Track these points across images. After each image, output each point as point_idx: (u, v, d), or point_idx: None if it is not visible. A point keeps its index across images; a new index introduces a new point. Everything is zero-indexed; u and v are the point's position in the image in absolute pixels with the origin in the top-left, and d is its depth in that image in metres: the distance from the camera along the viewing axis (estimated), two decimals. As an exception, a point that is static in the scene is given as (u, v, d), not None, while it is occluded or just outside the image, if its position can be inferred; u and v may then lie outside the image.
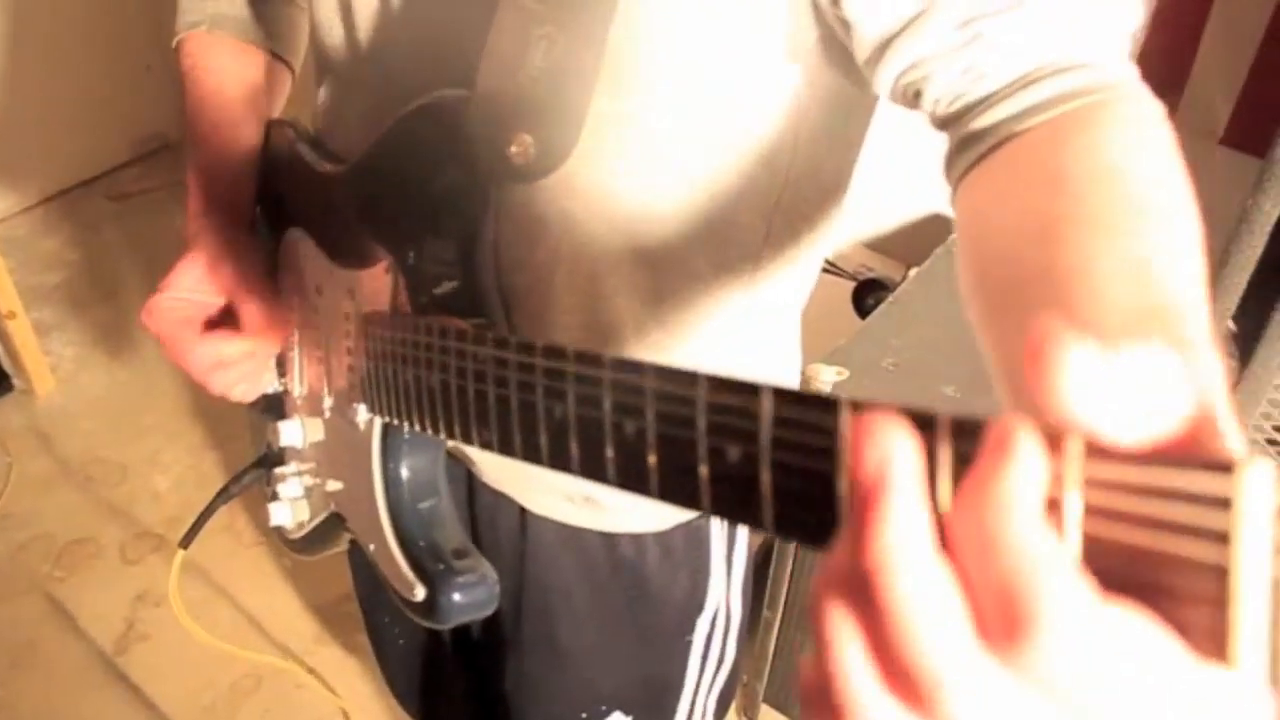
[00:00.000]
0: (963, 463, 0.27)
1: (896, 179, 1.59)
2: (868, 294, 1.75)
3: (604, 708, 0.93)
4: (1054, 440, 0.25)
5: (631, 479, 0.41)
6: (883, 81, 0.54)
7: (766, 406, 0.33)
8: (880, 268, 1.77)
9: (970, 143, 0.50)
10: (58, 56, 2.70)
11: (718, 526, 0.86)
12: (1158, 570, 0.24)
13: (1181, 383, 0.25)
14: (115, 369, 2.35)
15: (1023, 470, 0.25)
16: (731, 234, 0.66)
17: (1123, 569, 0.25)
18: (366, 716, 1.70)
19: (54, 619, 1.82)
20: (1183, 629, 0.24)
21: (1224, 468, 0.23)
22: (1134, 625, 0.24)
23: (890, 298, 1.51)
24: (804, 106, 0.62)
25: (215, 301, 0.75)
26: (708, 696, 0.97)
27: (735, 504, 0.36)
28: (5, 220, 2.69)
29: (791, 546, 1.38)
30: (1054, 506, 0.25)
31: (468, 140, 0.60)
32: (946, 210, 1.70)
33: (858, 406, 0.30)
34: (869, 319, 1.49)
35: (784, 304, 0.76)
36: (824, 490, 0.31)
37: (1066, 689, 0.24)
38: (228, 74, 0.82)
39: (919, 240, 1.71)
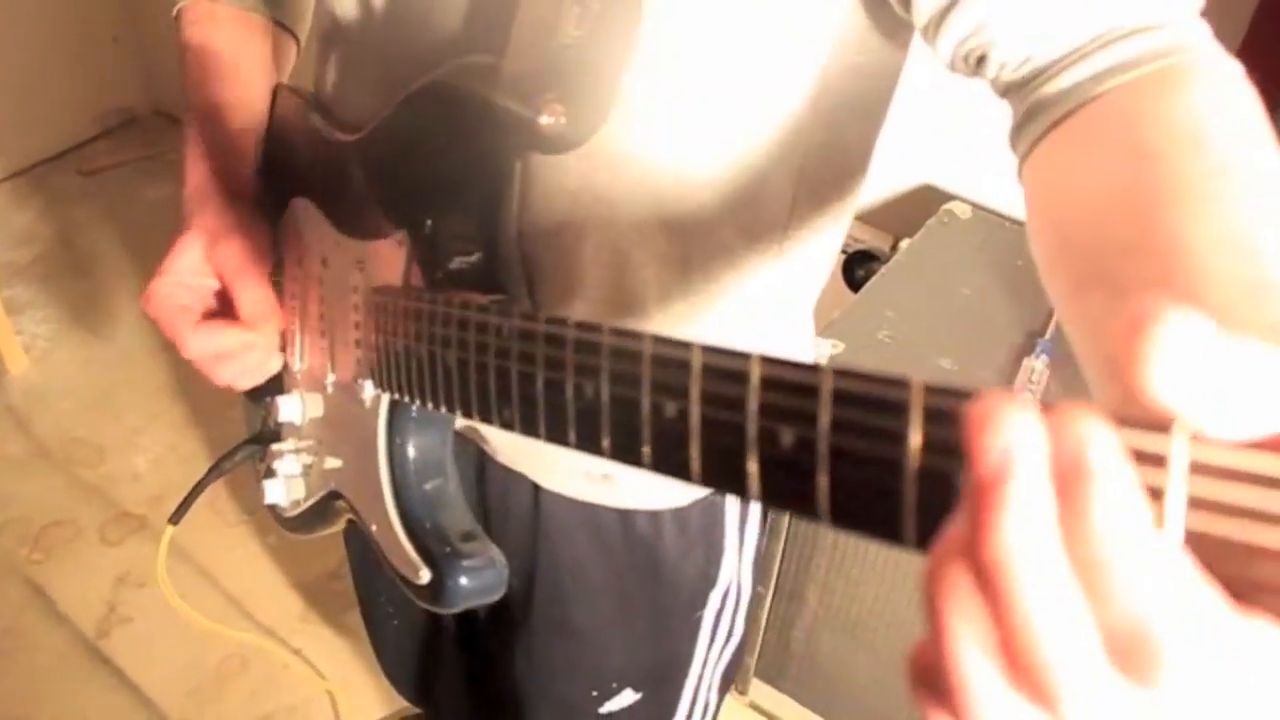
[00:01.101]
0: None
1: (885, 150, 1.57)
2: (858, 266, 1.74)
3: (615, 685, 0.92)
4: (1157, 425, 0.24)
5: (671, 464, 0.39)
6: (943, 48, 0.52)
7: (826, 386, 0.31)
8: (870, 239, 1.76)
9: (1042, 109, 0.49)
10: (22, 29, 2.64)
11: (732, 502, 0.86)
12: (1265, 564, 0.23)
13: None
14: (91, 346, 2.31)
15: (1121, 482, 0.23)
16: (759, 204, 0.66)
17: (1232, 566, 0.23)
18: (354, 696, 1.69)
19: (34, 603, 1.79)
20: None
21: None
22: (1263, 633, 0.23)
23: (882, 270, 1.50)
24: (829, 76, 0.61)
25: (213, 285, 0.73)
26: (714, 671, 0.97)
27: (789, 493, 0.34)
28: (-27, 196, 2.63)
29: (784, 522, 1.38)
30: (1156, 496, 0.24)
31: (498, 107, 0.58)
32: (935, 181, 1.69)
33: (933, 391, 0.28)
34: (862, 291, 1.48)
35: (808, 276, 0.75)
36: (891, 479, 0.30)
37: (1203, 709, 0.23)
38: (230, 42, 0.80)
39: (908, 211, 1.71)
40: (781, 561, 1.43)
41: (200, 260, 0.72)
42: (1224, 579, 0.23)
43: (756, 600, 1.48)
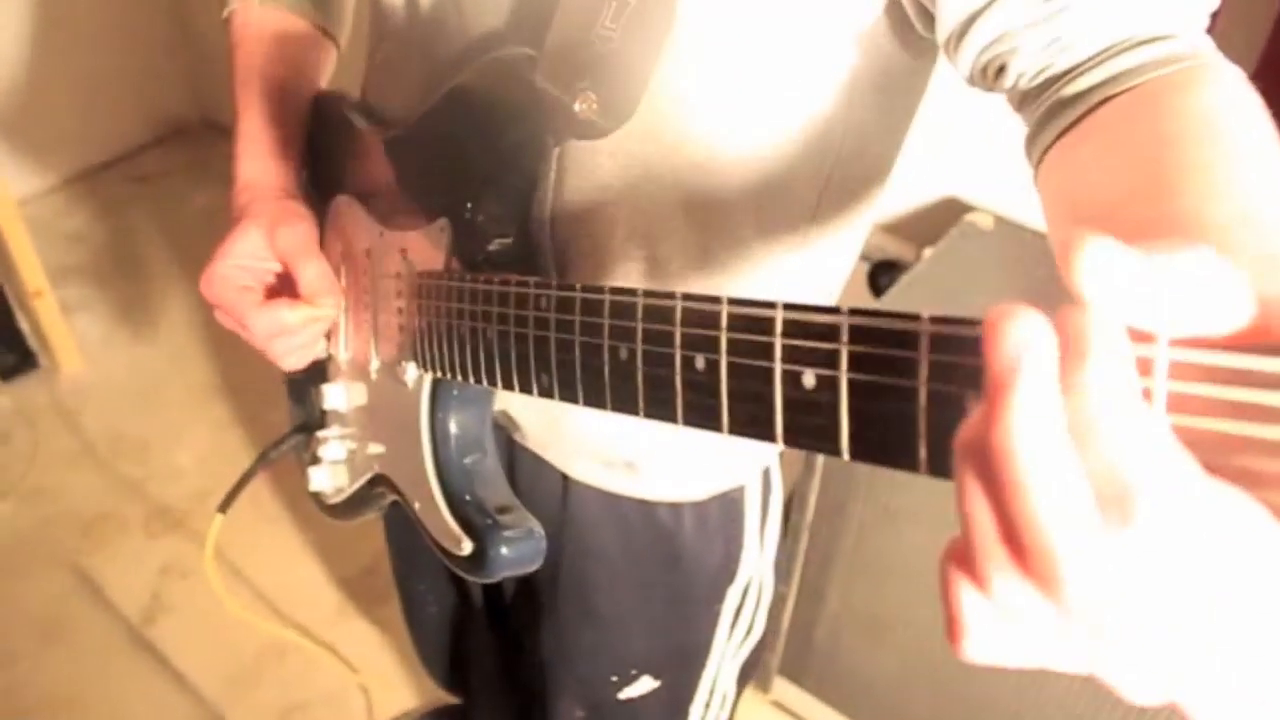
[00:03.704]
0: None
1: (911, 162, 1.59)
2: (883, 275, 1.77)
3: (634, 671, 0.95)
4: (1143, 335, 0.26)
5: (702, 414, 0.41)
6: (964, 59, 0.54)
7: (845, 327, 0.34)
8: (895, 249, 1.79)
9: (1060, 110, 0.51)
10: (80, 38, 2.73)
11: (753, 499, 0.88)
12: (1243, 456, 0.25)
13: (1232, 282, 0.26)
14: (139, 348, 2.38)
15: (1114, 352, 0.26)
16: (783, 205, 0.68)
17: (1207, 457, 0.26)
18: (387, 688, 1.73)
19: (81, 592, 1.85)
20: (1274, 511, 0.25)
21: None
22: (1235, 501, 0.25)
23: (905, 277, 1.53)
24: (858, 84, 0.63)
25: (273, 268, 0.75)
26: (733, 664, 0.99)
27: (812, 431, 0.36)
28: (31, 200, 2.71)
29: (808, 522, 1.40)
30: (1144, 395, 0.26)
31: (535, 96, 0.61)
32: (959, 193, 1.72)
33: (937, 320, 0.31)
34: (884, 298, 1.50)
35: (827, 278, 0.77)
36: (905, 408, 0.32)
37: (1175, 562, 0.25)
38: (277, 46, 0.83)
39: (932, 222, 1.73)
40: (804, 562, 1.45)
41: (261, 244, 0.74)
42: (1205, 467, 0.26)
43: (779, 600, 1.51)
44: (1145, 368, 0.26)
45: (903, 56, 0.63)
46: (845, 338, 0.34)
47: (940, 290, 1.48)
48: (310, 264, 0.73)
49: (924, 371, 0.32)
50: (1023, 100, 0.54)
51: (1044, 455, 0.26)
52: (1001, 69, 0.53)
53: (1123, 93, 0.48)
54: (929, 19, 0.56)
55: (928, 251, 1.58)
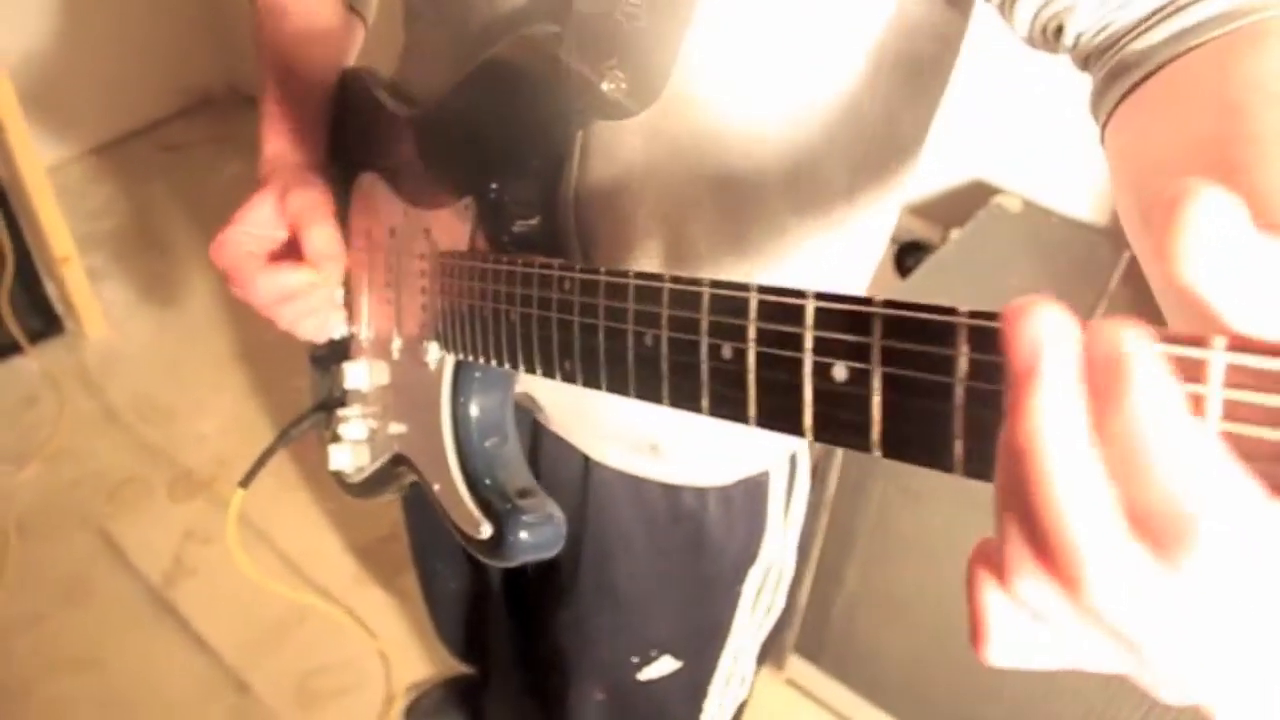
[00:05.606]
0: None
1: (938, 144, 1.56)
2: (908, 256, 1.76)
3: (654, 652, 0.94)
4: (1200, 340, 0.25)
5: (728, 406, 0.40)
6: (1021, 19, 0.52)
7: (878, 319, 0.33)
8: (921, 230, 1.78)
9: (1124, 71, 0.48)
10: (110, 9, 2.74)
11: (778, 483, 0.87)
12: None
13: None
14: (164, 316, 2.40)
15: (1161, 370, 0.24)
16: (813, 182, 0.66)
17: (1264, 468, 0.24)
18: (404, 656, 1.75)
19: (105, 555, 1.87)
20: None
21: None
22: None
23: (931, 258, 1.51)
24: (885, 54, 0.61)
25: (281, 235, 0.75)
26: (752, 644, 0.99)
27: (842, 426, 0.35)
28: (59, 168, 2.73)
29: (828, 500, 1.40)
30: (1198, 403, 0.24)
31: (561, 74, 0.60)
32: (987, 175, 1.70)
33: (976, 315, 0.30)
34: (910, 279, 1.49)
35: (860, 257, 0.76)
36: (940, 404, 0.31)
37: (1237, 593, 0.24)
38: (303, 21, 0.83)
39: (960, 204, 1.72)
40: (823, 539, 1.44)
41: (272, 213, 0.74)
42: (1263, 480, 0.24)
43: (796, 577, 1.50)
44: (1197, 369, 0.24)
45: (935, 17, 0.61)
46: (879, 330, 0.33)
47: (967, 273, 1.46)
48: (317, 227, 0.73)
49: (963, 368, 0.31)
50: (1086, 59, 0.51)
51: (1067, 452, 0.25)
52: (1060, 28, 0.51)
53: (1187, 52, 0.45)
54: None
55: (955, 233, 1.56)
